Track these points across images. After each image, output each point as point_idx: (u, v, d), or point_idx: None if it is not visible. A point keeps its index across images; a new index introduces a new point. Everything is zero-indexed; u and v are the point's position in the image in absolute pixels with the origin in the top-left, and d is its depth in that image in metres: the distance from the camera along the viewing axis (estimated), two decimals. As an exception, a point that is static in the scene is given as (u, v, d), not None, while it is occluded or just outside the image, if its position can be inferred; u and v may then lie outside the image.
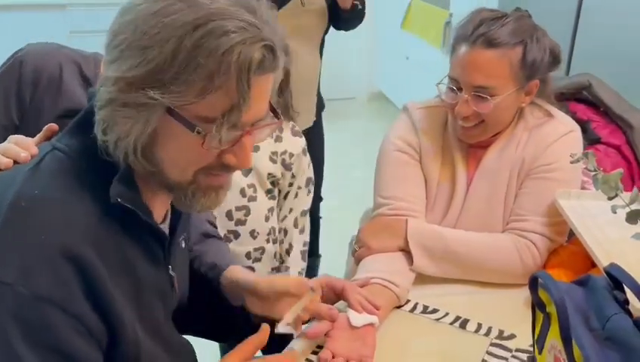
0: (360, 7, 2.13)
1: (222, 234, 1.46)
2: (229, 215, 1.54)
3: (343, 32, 2.29)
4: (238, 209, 1.54)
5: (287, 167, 1.58)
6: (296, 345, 1.13)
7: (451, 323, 1.21)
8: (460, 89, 1.30)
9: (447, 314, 1.24)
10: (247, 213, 1.55)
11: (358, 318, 1.10)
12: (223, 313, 1.15)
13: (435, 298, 1.28)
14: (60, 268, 0.74)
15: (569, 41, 2.27)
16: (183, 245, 1.07)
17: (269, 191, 1.59)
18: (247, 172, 1.53)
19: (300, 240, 1.67)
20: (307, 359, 1.11)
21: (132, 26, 0.73)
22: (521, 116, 1.38)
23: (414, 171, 1.42)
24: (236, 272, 1.13)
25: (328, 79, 2.50)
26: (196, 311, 1.14)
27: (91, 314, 0.77)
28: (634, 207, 0.97)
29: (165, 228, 0.97)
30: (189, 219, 1.08)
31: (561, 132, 1.36)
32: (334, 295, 1.16)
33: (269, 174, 1.56)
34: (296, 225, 1.65)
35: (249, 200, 1.55)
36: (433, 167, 1.42)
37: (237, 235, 1.56)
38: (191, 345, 1.07)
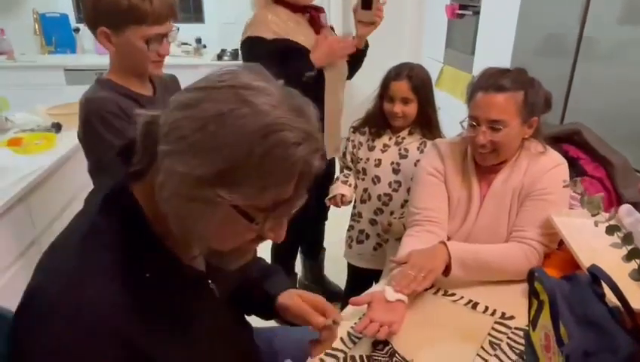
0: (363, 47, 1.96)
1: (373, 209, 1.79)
2: (378, 198, 1.77)
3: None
4: (385, 195, 1.76)
5: None
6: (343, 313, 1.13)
7: (465, 305, 1.17)
8: (478, 124, 1.27)
9: (462, 297, 1.20)
10: (390, 199, 1.76)
11: (392, 295, 1.08)
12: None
13: (453, 285, 1.23)
14: (97, 342, 0.62)
15: (563, 97, 2.18)
16: None
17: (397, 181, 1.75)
18: (396, 172, 1.73)
19: None
20: (351, 326, 1.08)
21: (199, 123, 0.59)
22: (523, 148, 1.33)
23: (440, 189, 1.39)
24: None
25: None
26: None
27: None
28: (612, 222, 0.92)
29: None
30: None
31: (552, 164, 1.30)
32: None
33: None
34: None
35: (393, 191, 1.75)
36: (454, 187, 1.38)
37: (388, 203, 1.77)
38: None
